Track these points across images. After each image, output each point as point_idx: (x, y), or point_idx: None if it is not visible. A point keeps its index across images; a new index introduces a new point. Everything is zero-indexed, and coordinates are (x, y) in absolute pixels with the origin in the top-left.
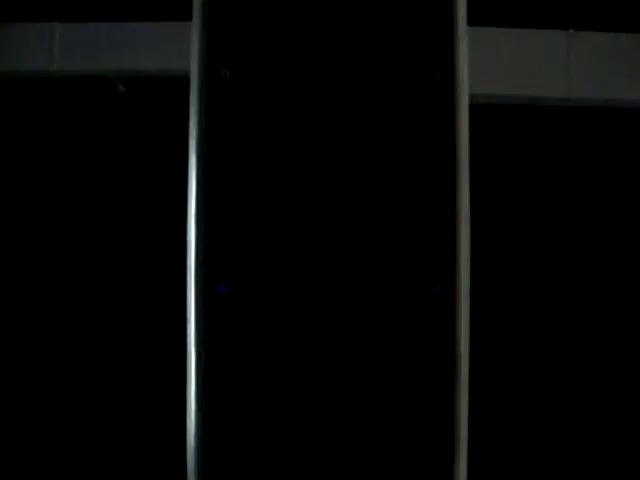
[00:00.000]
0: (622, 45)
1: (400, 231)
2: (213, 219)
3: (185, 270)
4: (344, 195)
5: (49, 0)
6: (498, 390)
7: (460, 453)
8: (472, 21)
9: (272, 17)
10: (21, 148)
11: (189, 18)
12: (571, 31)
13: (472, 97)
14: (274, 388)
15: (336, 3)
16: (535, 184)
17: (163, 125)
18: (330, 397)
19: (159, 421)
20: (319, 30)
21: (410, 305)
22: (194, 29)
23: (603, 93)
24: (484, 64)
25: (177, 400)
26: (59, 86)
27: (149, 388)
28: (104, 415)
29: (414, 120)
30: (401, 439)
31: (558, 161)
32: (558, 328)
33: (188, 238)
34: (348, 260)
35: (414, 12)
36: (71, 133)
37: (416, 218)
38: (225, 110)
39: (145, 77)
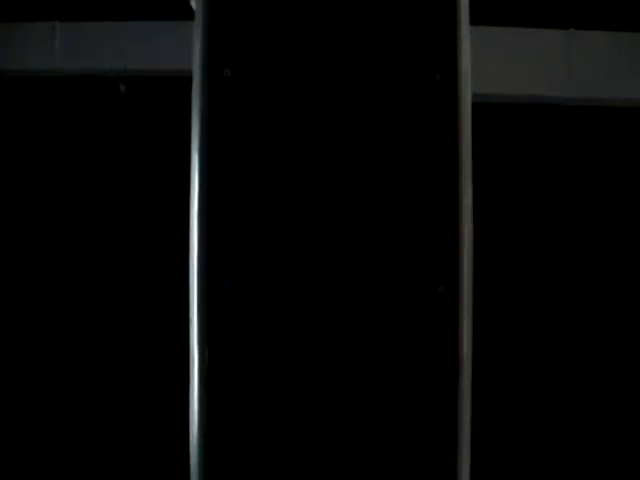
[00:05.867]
0: (623, 44)
1: (403, 230)
2: (215, 218)
3: (187, 269)
4: (346, 194)
5: (50, 0)
6: (501, 389)
7: (463, 453)
8: (474, 20)
9: (273, 16)
10: (22, 147)
11: (191, 17)
12: (572, 30)
13: (473, 96)
14: (276, 387)
15: (337, 2)
16: (537, 182)
17: (165, 124)
18: (333, 395)
19: (162, 419)
20: (320, 29)
21: (412, 304)
22: (196, 28)
23: (604, 92)
24: (485, 63)
25: (180, 398)
26: (60, 85)
27: (152, 386)
28: (107, 413)
29: (416, 120)
30: (403, 439)
31: (559, 160)
32: (560, 327)
33: (190, 237)
34: (350, 259)
35: (416, 11)
36: (72, 132)
37: (419, 217)
38: (227, 109)
39: (146, 76)
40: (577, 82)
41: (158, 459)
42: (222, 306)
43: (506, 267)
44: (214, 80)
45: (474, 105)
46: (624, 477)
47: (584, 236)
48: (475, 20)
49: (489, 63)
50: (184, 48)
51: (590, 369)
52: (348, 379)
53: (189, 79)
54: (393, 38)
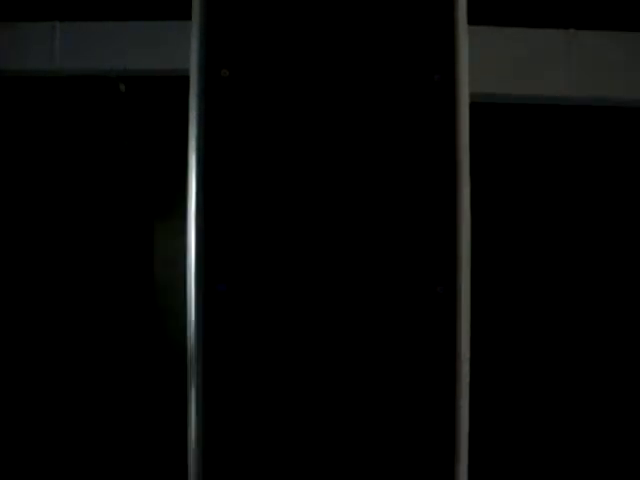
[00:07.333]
0: (623, 44)
1: (401, 230)
2: (212, 219)
3: (185, 269)
4: (344, 195)
5: (50, 0)
6: (498, 389)
7: (461, 452)
8: (472, 20)
9: (271, 16)
10: (22, 147)
11: (189, 17)
12: (572, 30)
13: (472, 96)
14: (273, 386)
15: (335, 2)
16: (535, 182)
17: (163, 124)
18: (331, 395)
19: (161, 417)
20: (318, 29)
21: (411, 304)
22: (194, 29)
23: (603, 92)
24: (484, 63)
25: (178, 397)
26: (60, 85)
27: (151, 386)
28: (104, 416)
29: (414, 119)
30: (401, 438)
31: (558, 159)
32: (558, 326)
33: (188, 237)
34: (348, 259)
35: (414, 11)
36: (72, 132)
37: (417, 218)
38: (224, 109)
39: (146, 76)
40: (577, 82)
41: (156, 459)
42: (219, 306)
43: (504, 267)
44: (212, 80)
45: (474, 105)
46: (624, 477)
47: (584, 236)
48: (475, 20)
49: (489, 63)
50: (184, 48)
51: (588, 368)
52: (346, 378)
53: (189, 79)
54: (391, 39)
